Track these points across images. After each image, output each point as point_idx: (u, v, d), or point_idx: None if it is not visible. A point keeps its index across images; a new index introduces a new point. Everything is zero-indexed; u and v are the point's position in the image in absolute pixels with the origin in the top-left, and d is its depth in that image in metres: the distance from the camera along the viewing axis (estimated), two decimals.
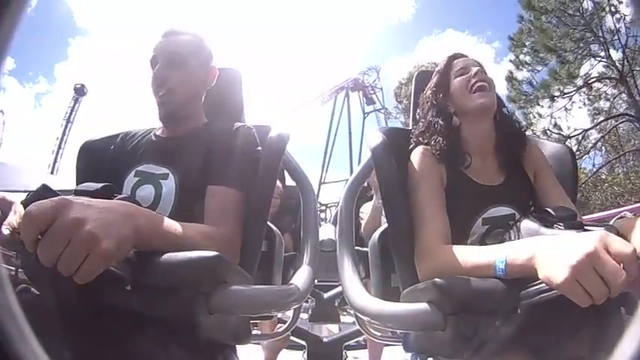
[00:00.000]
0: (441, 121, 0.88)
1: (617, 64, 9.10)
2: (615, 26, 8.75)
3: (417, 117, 0.96)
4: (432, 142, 0.87)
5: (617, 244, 0.50)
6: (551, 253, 0.54)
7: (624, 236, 0.58)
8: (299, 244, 1.07)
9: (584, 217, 1.09)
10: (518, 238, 0.69)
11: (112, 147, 0.94)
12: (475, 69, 0.89)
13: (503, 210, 0.84)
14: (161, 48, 0.87)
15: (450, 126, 0.88)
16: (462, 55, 0.95)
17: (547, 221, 0.67)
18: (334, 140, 20.20)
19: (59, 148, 16.14)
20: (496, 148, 0.90)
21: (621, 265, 0.49)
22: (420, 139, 0.90)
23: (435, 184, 0.83)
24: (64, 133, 16.44)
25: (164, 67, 0.86)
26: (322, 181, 19.05)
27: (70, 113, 16.91)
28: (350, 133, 20.19)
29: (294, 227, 1.87)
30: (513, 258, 0.59)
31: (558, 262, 0.51)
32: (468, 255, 0.68)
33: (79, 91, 17.20)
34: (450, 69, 0.93)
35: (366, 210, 2.09)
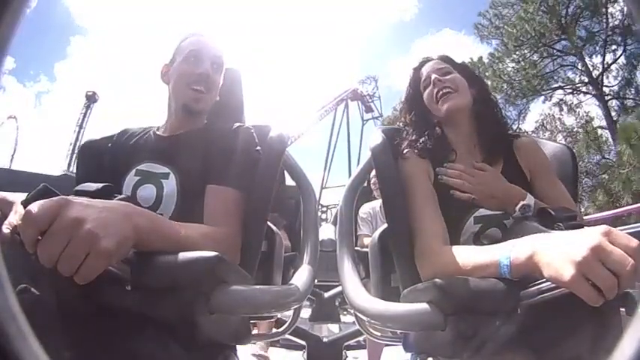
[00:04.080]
0: (428, 132, 0.91)
1: None
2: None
3: (404, 124, 0.98)
4: (423, 149, 0.88)
5: (622, 238, 0.49)
6: (554, 250, 0.52)
7: None
8: (298, 244, 1.07)
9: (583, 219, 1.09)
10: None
11: (110, 145, 0.94)
12: (434, 77, 0.91)
13: None
14: (206, 46, 0.92)
15: (435, 133, 0.91)
16: (427, 60, 0.97)
17: (547, 221, 0.67)
18: (335, 146, 20.81)
19: (72, 153, 16.49)
20: (481, 146, 0.90)
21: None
22: (411, 146, 0.91)
23: (429, 185, 0.84)
24: (77, 139, 16.85)
25: (210, 66, 0.90)
26: (324, 185, 19.41)
27: (83, 119, 17.63)
28: (349, 141, 20.93)
29: (287, 225, 1.88)
30: (517, 256, 0.57)
31: (563, 260, 0.49)
32: (471, 255, 0.67)
33: (91, 99, 17.84)
34: (419, 80, 0.95)
35: (366, 210, 2.09)
